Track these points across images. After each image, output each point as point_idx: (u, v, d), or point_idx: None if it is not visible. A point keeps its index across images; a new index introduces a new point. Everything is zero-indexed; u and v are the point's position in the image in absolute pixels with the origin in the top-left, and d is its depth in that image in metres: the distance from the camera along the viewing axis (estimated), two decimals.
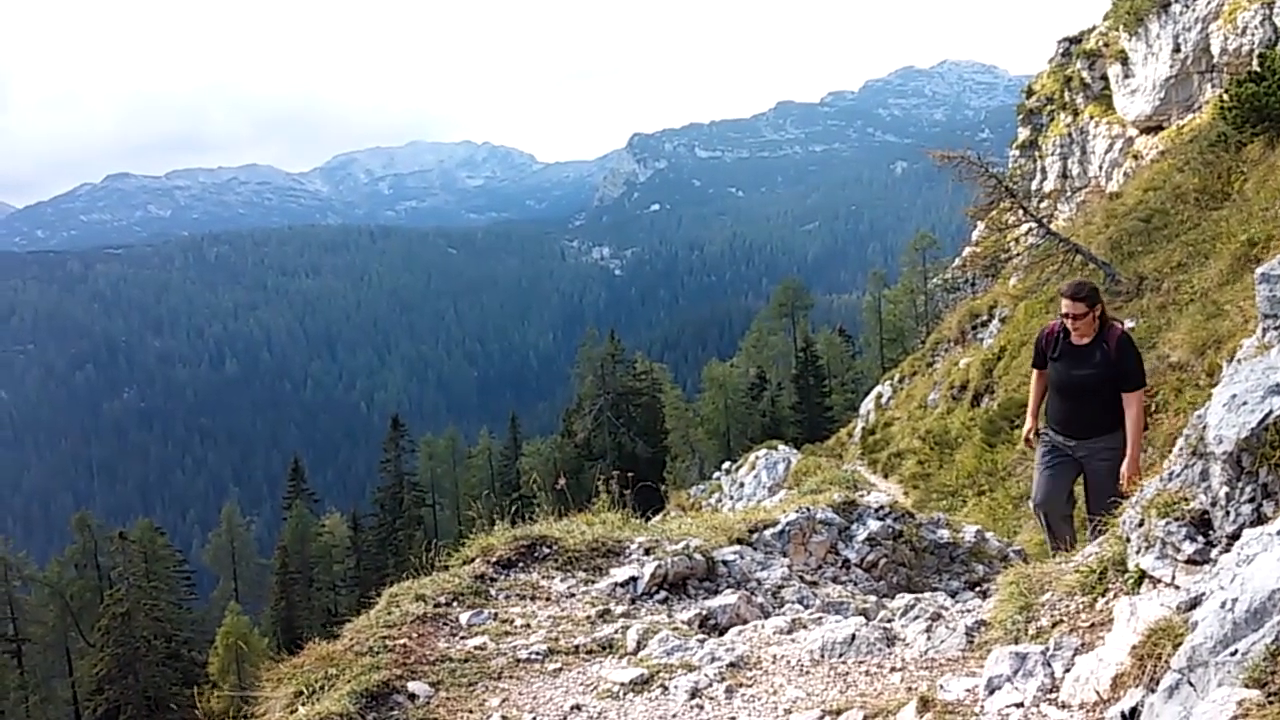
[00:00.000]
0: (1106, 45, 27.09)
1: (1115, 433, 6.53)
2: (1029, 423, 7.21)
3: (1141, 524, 3.68)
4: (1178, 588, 3.26)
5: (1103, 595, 3.81)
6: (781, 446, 28.16)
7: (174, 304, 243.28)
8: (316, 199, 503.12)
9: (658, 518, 8.92)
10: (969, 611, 4.65)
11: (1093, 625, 3.63)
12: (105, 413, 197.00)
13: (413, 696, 4.24)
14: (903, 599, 5.03)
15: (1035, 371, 7.11)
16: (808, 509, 6.68)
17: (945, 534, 6.65)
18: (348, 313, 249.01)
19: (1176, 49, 22.66)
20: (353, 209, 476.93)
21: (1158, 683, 2.74)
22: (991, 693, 3.39)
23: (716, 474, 30.57)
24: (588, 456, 54.02)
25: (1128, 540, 3.83)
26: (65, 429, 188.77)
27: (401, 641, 4.75)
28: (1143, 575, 3.57)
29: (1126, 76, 25.04)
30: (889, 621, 4.70)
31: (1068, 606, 3.92)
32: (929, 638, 4.31)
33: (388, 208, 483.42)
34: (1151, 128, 24.50)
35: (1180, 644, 2.74)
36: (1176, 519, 3.48)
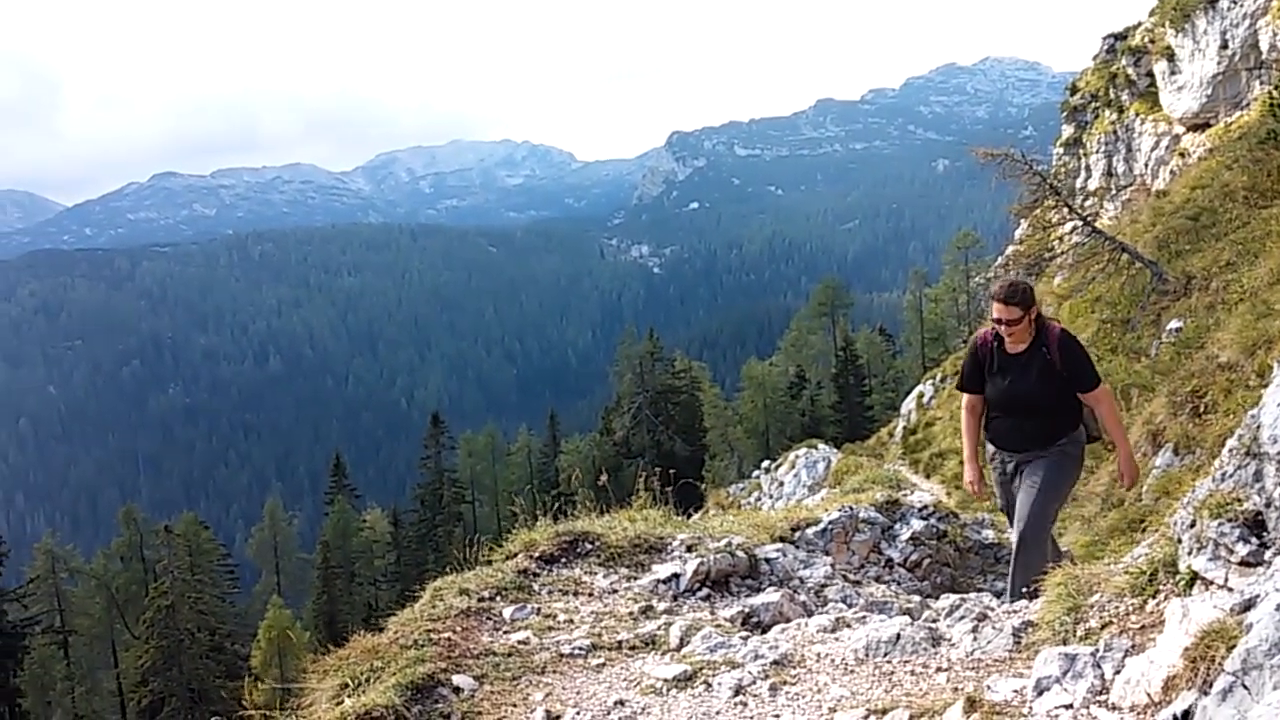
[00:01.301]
0: (1153, 42, 26.74)
1: (1066, 437, 5.97)
2: (970, 471, 6.26)
3: (1193, 525, 3.64)
4: (1231, 590, 3.22)
5: (1153, 597, 3.76)
6: (821, 445, 28.05)
7: (219, 301, 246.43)
8: (359, 198, 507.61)
9: (696, 515, 8.91)
10: (1015, 612, 4.61)
11: (1143, 627, 3.58)
12: (151, 408, 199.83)
13: (457, 689, 4.27)
14: (948, 599, 5.00)
15: (967, 397, 6.25)
16: (850, 508, 6.65)
17: (990, 534, 6.60)
18: (389, 310, 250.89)
19: (1224, 45, 22.32)
20: (394, 208, 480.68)
21: (1211, 685, 2.70)
22: (1040, 694, 3.36)
23: (755, 472, 30.50)
24: (626, 454, 54.13)
25: (1179, 541, 3.78)
26: (112, 424, 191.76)
27: (446, 635, 4.77)
28: (1195, 577, 3.52)
29: (1173, 73, 24.70)
30: (934, 621, 4.67)
31: (1117, 608, 3.88)
32: (975, 638, 4.28)
33: (429, 206, 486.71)
34: (1198, 125, 24.16)
35: (1234, 646, 2.71)
36: (1229, 520, 3.44)
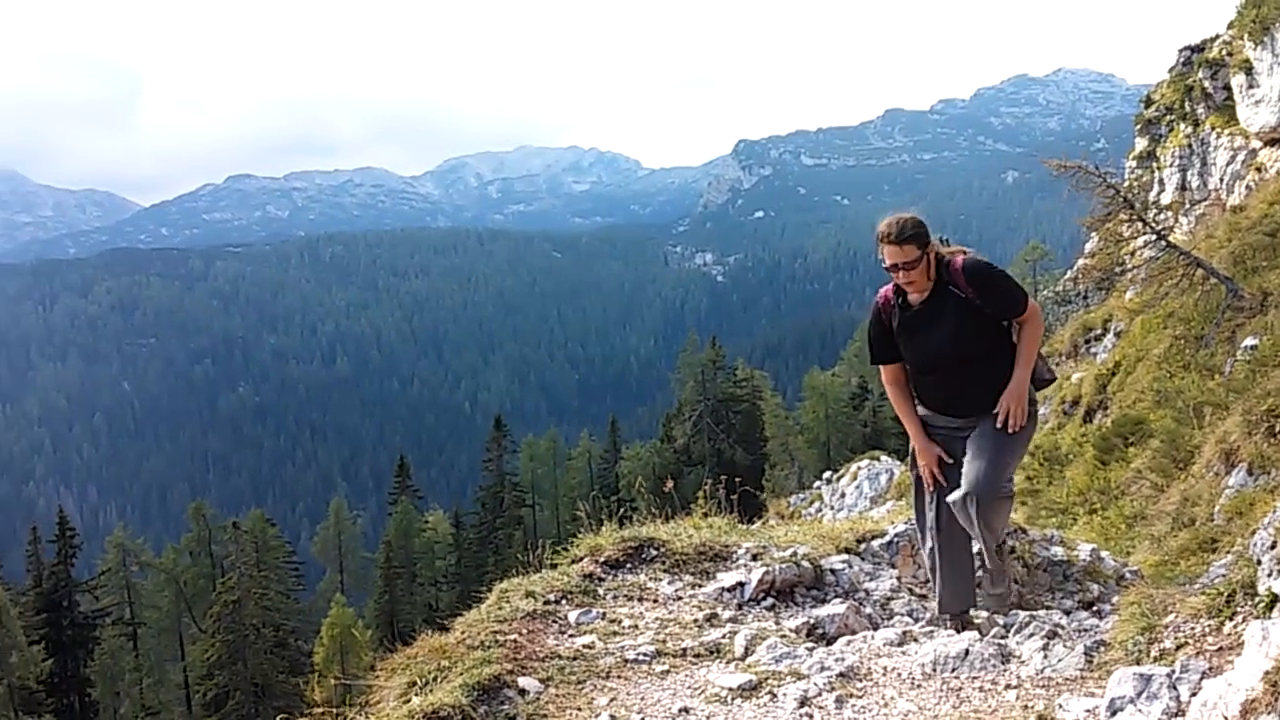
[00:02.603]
0: (1230, 55, 26.19)
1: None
2: (918, 442, 5.40)
3: (1274, 546, 3.57)
4: None
5: (1230, 619, 3.70)
6: (884, 457, 27.79)
7: (289, 302, 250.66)
8: (428, 202, 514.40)
9: (757, 524, 8.90)
10: (1086, 631, 4.55)
11: (1220, 649, 3.53)
12: (222, 406, 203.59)
13: (523, 691, 4.30)
14: (1016, 615, 4.94)
15: (886, 370, 5.44)
16: None
17: (1059, 551, 6.49)
18: (455, 313, 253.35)
19: None
20: (462, 212, 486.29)
21: None
22: (1114, 714, 3.32)
23: (817, 483, 30.32)
24: (687, 462, 54.10)
25: (1258, 563, 3.72)
26: (183, 421, 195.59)
27: (512, 637, 4.81)
28: (1275, 599, 3.46)
29: (1251, 87, 24.19)
30: (1003, 638, 4.62)
31: (1193, 629, 3.82)
32: (1046, 656, 4.23)
33: (496, 211, 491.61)
34: (1276, 140, 23.63)
35: None
36: None
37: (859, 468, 26.46)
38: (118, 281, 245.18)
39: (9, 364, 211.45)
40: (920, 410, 5.40)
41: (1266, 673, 2.90)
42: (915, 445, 5.42)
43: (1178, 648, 3.78)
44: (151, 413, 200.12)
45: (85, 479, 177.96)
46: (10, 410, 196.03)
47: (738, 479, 7.96)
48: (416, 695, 4.43)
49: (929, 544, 5.44)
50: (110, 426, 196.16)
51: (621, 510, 7.38)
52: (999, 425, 5.03)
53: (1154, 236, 16.24)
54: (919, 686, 4.17)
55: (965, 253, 5.22)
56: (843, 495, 25.38)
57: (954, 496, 5.14)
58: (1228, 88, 26.16)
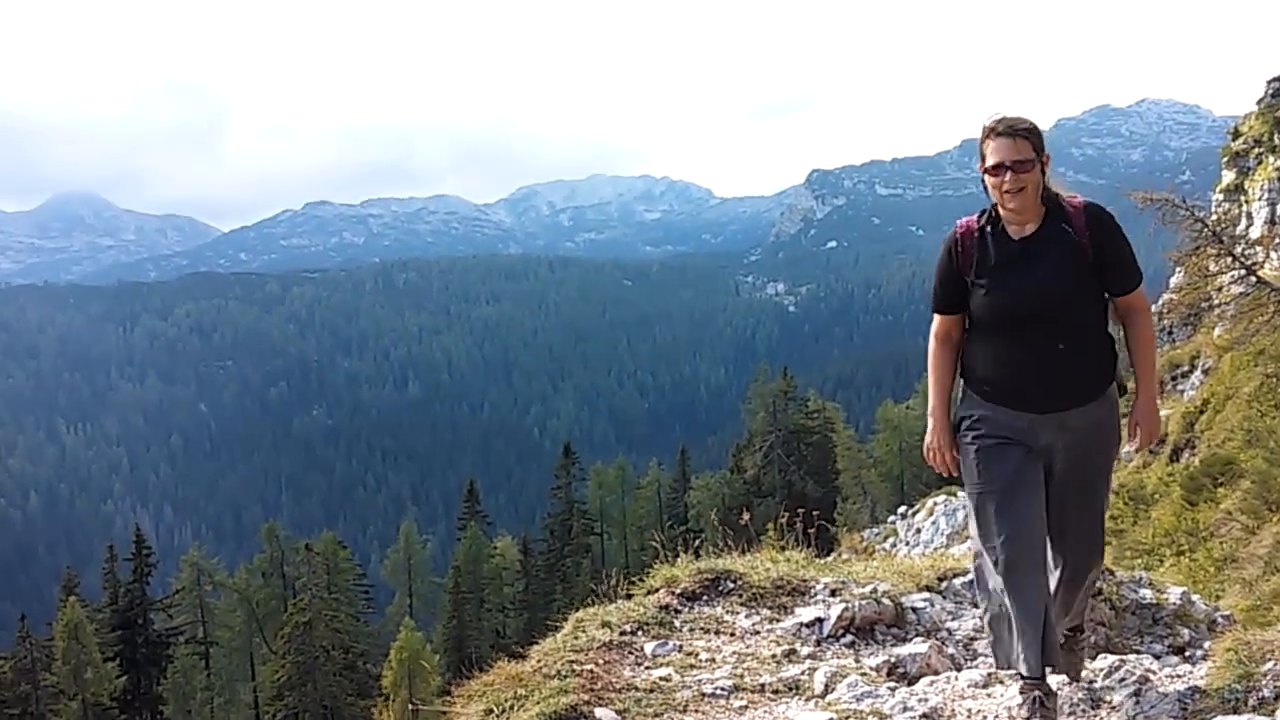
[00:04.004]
0: None
1: (1103, 398, 3.94)
2: (937, 421, 4.25)
3: None
4: None
5: None
6: (961, 493, 27.37)
7: (363, 327, 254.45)
8: (500, 229, 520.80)
9: (830, 558, 8.80)
10: (1179, 677, 4.41)
11: None
12: (295, 429, 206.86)
13: None
14: (1105, 660, 4.80)
15: (939, 321, 4.25)
16: None
17: (1148, 594, 6.32)
18: (525, 340, 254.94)
19: None
20: (534, 239, 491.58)
21: None
22: None
23: (891, 518, 29.95)
24: (757, 493, 53.73)
25: None
26: (258, 442, 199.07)
27: (588, 667, 4.79)
28: None
29: None
30: (1092, 683, 4.49)
31: None
32: (1138, 702, 4.11)
33: (567, 239, 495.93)
34: None
35: None
36: None
37: (935, 503, 26.09)
38: (197, 305, 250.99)
39: (89, 384, 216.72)
40: (969, 401, 4.19)
41: None
42: (933, 429, 4.27)
43: (1276, 697, 3.67)
44: (227, 434, 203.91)
45: (161, 498, 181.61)
46: (90, 429, 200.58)
47: (814, 512, 7.87)
48: None
49: (992, 584, 4.19)
50: (187, 447, 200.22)
51: (694, 541, 7.33)
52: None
53: (1243, 272, 15.87)
54: None
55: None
56: (919, 531, 25.04)
57: (1063, 575, 4.27)
58: None
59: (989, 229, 4.10)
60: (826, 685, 4.57)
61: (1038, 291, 3.89)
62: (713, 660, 5.00)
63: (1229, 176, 31.49)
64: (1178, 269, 18.65)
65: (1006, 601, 4.06)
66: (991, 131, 3.99)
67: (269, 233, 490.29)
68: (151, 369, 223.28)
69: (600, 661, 4.88)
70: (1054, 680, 4.33)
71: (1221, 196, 31.18)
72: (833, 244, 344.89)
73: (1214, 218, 25.65)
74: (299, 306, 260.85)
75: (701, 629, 5.41)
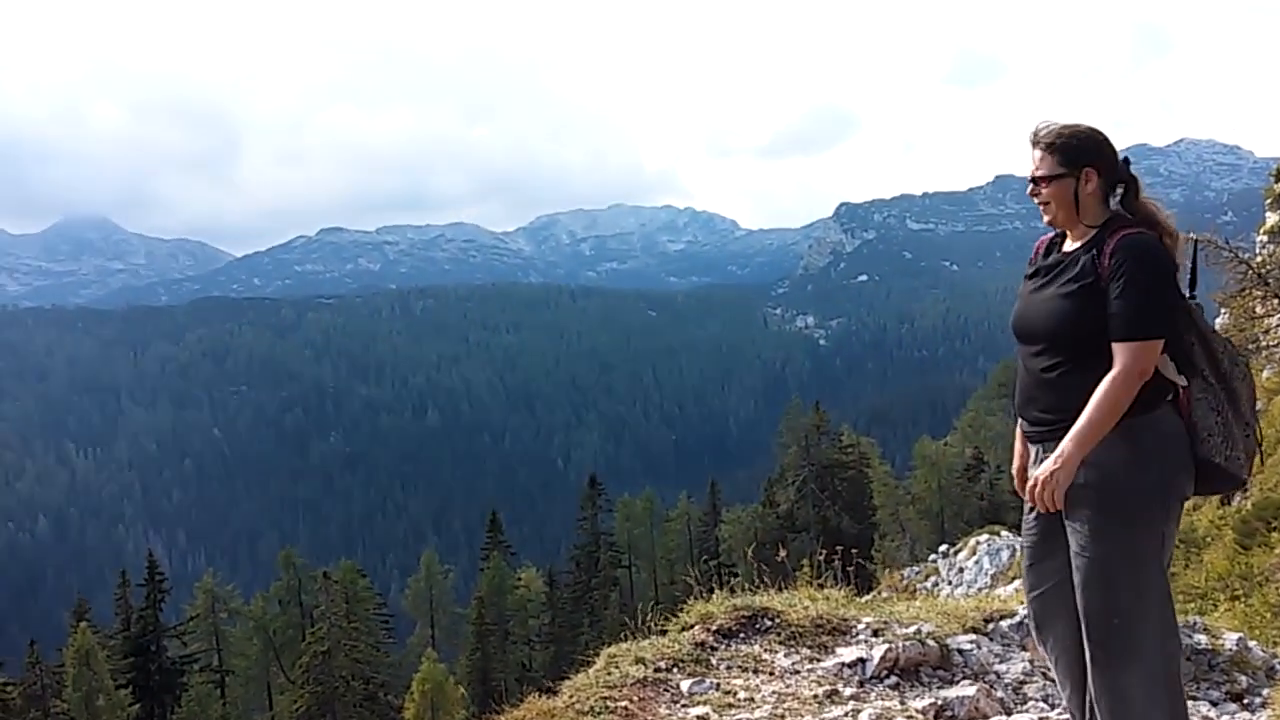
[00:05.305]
0: None
1: (1113, 431, 3.50)
2: (1017, 453, 4.08)
3: None
4: None
5: None
6: (1004, 533, 26.96)
7: (380, 354, 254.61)
8: (519, 258, 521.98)
9: (869, 597, 8.62)
10: None
11: None
12: (312, 455, 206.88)
13: None
14: None
15: None
16: None
17: (1203, 639, 6.09)
18: (547, 370, 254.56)
19: None
20: (554, 268, 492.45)
21: None
22: None
23: (932, 556, 29.55)
24: (790, 528, 53.32)
25: None
26: (274, 469, 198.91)
27: (623, 704, 4.66)
28: None
29: None
30: None
31: None
32: None
33: (589, 268, 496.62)
34: None
35: None
36: None
37: (978, 542, 25.73)
38: (209, 329, 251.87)
39: (100, 408, 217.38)
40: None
41: None
42: (1017, 450, 4.07)
43: None
44: (241, 459, 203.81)
45: (174, 524, 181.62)
46: (101, 454, 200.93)
47: (853, 550, 7.69)
48: None
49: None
50: (200, 472, 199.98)
51: (727, 577, 7.17)
52: (1105, 511, 3.57)
53: None
54: None
55: (1162, 228, 3.74)
56: (961, 570, 24.67)
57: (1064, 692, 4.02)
58: None
59: (1057, 238, 3.93)
60: None
61: (1028, 310, 3.80)
62: (751, 700, 4.84)
63: (1273, 218, 31.04)
64: (1222, 310, 18.37)
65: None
66: (1031, 137, 3.85)
67: (282, 258, 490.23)
68: (163, 393, 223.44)
69: (635, 699, 4.76)
70: None
71: (1266, 238, 30.76)
72: (863, 277, 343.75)
73: (1259, 259, 25.33)
74: (314, 332, 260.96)
75: (739, 667, 5.25)
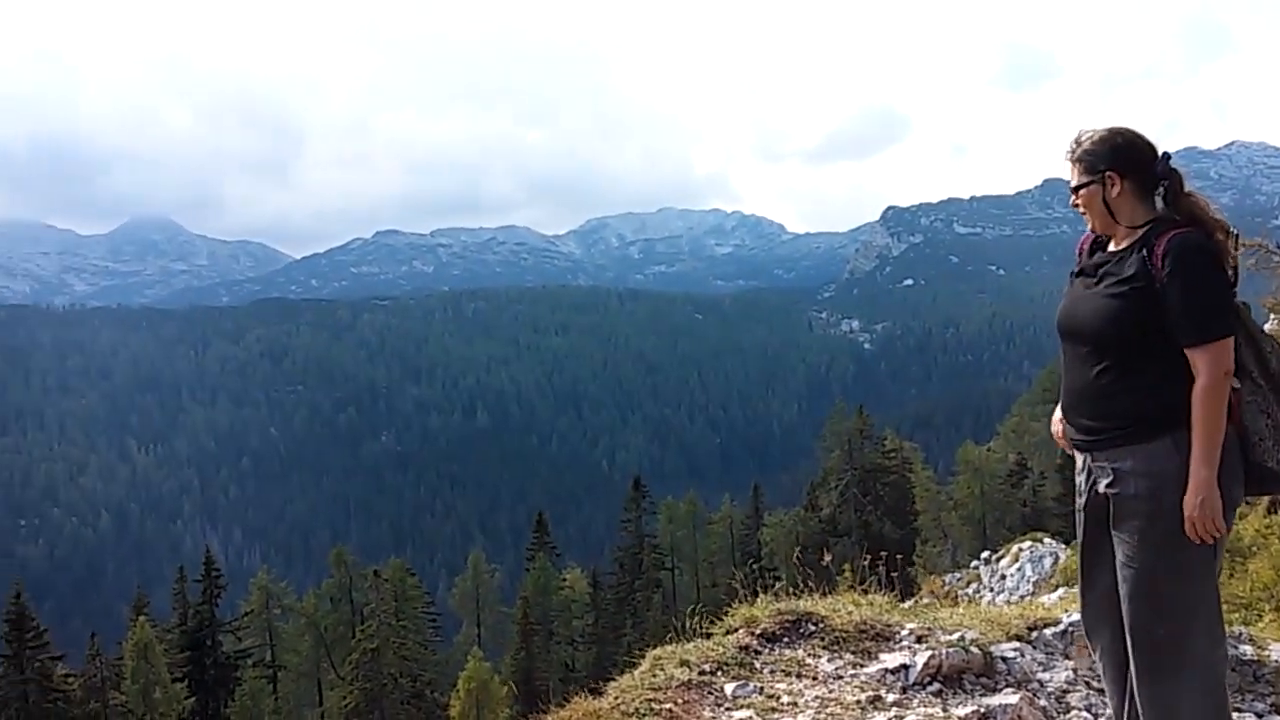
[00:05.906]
0: None
1: (1157, 440, 3.53)
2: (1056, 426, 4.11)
3: None
4: None
5: None
6: (1047, 540, 26.68)
7: (432, 355, 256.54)
8: (569, 260, 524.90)
9: (911, 603, 8.61)
10: None
11: None
12: (364, 454, 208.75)
13: None
14: None
15: None
16: None
17: (1249, 650, 6.05)
18: (594, 371, 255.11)
19: None
20: (603, 271, 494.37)
21: None
22: None
23: (974, 562, 29.30)
24: (833, 532, 53.09)
25: None
26: (327, 467, 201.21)
27: (667, 706, 4.72)
28: None
29: None
30: None
31: None
32: None
33: (637, 272, 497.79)
34: None
35: None
36: None
37: (1020, 549, 25.48)
38: (268, 330, 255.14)
39: (160, 406, 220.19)
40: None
41: None
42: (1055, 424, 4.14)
43: None
44: (296, 458, 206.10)
45: (231, 520, 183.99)
46: (160, 451, 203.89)
47: (897, 555, 7.71)
48: None
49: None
50: (256, 470, 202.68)
51: (771, 580, 7.22)
52: (1156, 524, 3.55)
53: None
54: None
55: (1212, 224, 3.72)
56: (1003, 577, 24.45)
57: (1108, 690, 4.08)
58: None
59: (1101, 236, 3.92)
60: None
61: (1074, 308, 3.78)
62: (795, 704, 4.88)
63: None
64: (1271, 316, 18.11)
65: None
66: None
67: (340, 260, 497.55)
68: (222, 392, 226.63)
69: (679, 701, 4.81)
70: None
71: None
72: (909, 282, 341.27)
73: None
74: (369, 333, 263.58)
75: (783, 671, 5.29)
